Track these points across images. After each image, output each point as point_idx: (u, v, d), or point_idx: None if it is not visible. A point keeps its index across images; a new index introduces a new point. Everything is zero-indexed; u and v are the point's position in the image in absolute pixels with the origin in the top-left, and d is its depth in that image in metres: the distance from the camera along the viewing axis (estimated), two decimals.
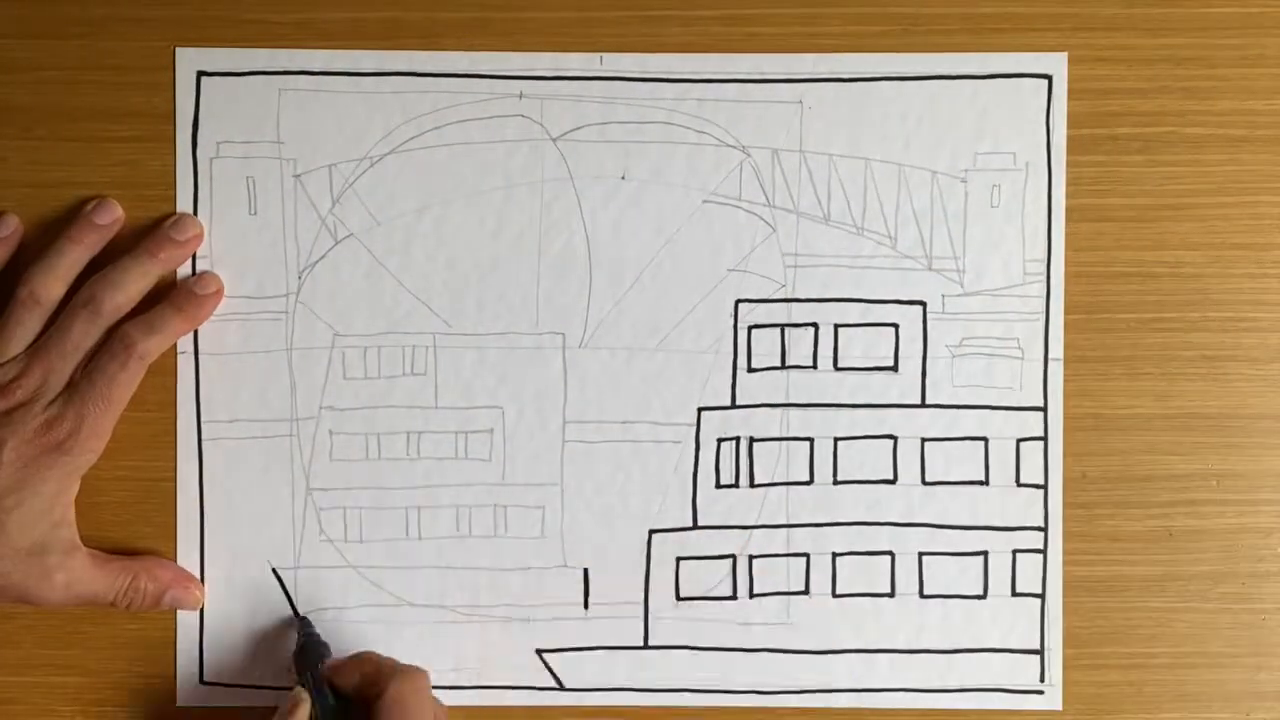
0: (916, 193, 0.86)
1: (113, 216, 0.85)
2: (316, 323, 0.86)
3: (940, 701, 0.86)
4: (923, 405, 0.86)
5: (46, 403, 0.81)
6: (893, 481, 0.86)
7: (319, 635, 0.85)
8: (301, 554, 0.86)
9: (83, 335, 0.82)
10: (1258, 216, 0.86)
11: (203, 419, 0.86)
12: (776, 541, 0.87)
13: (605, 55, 0.86)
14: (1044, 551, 0.86)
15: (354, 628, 0.87)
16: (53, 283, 0.83)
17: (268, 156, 0.86)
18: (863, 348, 0.86)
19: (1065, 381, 0.86)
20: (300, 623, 0.86)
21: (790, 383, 0.86)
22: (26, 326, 0.82)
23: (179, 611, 0.86)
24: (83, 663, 0.87)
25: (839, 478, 0.86)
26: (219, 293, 0.86)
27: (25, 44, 0.86)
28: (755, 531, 0.87)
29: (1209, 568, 0.87)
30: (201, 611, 0.86)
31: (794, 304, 0.86)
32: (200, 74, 0.86)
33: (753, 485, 0.86)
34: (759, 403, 0.86)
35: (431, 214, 0.86)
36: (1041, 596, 0.86)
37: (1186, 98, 0.86)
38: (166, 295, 0.85)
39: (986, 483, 0.86)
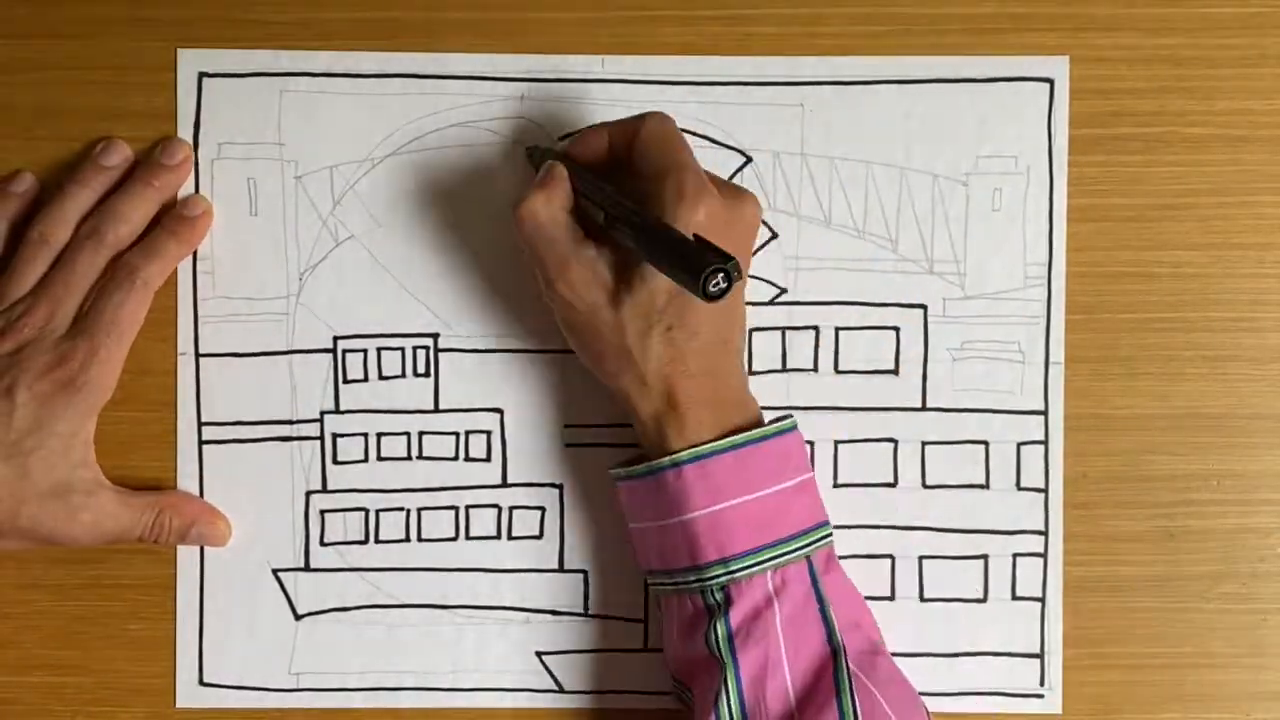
0: (918, 196, 0.86)
1: (120, 157, 0.85)
2: (317, 324, 0.86)
3: (940, 705, 0.86)
4: (923, 409, 0.86)
5: (56, 339, 0.81)
6: (893, 485, 0.86)
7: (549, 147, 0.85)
8: (301, 556, 0.87)
9: (88, 267, 0.83)
10: (1258, 216, 0.86)
11: (203, 420, 0.86)
12: None
13: (607, 58, 0.86)
14: (1044, 555, 0.86)
15: (354, 629, 0.87)
16: (60, 226, 0.83)
17: (269, 158, 0.86)
18: (864, 351, 0.86)
19: (1065, 381, 0.86)
20: (529, 151, 0.86)
21: (791, 385, 0.86)
22: (35, 266, 0.83)
23: (179, 612, 0.86)
24: (83, 663, 0.87)
25: (840, 481, 0.86)
26: (208, 214, 0.86)
27: (25, 44, 0.86)
28: None
29: (1209, 568, 0.87)
30: (201, 613, 0.86)
31: (795, 307, 0.86)
32: (202, 75, 0.86)
33: None
34: (760, 405, 0.86)
35: (432, 216, 0.86)
36: (1041, 600, 0.86)
37: (1186, 98, 0.86)
38: (160, 222, 0.85)
39: (987, 486, 0.86)
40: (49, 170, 0.86)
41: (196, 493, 0.86)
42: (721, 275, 0.69)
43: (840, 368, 0.86)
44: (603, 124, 0.82)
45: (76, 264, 0.82)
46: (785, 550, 0.78)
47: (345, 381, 0.86)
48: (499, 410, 0.87)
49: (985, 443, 0.86)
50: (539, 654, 0.87)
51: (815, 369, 0.86)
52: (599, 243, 0.79)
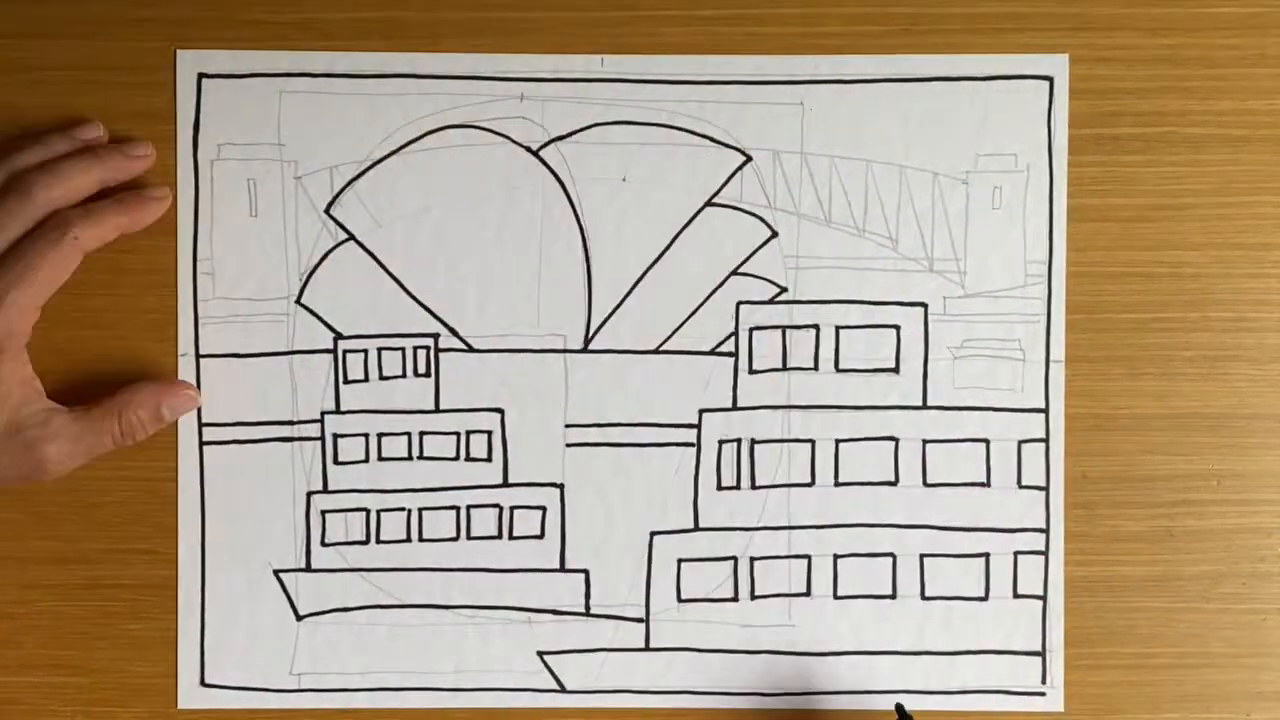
0: (918, 194, 0.86)
1: (92, 135, 0.85)
2: (317, 325, 0.86)
3: (942, 703, 0.86)
4: (924, 407, 0.86)
5: None
6: (894, 483, 0.86)
7: None
8: (303, 556, 0.86)
9: (7, 215, 0.81)
10: (1258, 216, 0.86)
11: (203, 421, 0.86)
12: (778, 543, 0.87)
13: (606, 57, 0.86)
14: (1045, 553, 0.86)
15: (355, 630, 0.87)
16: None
17: (268, 158, 0.86)
18: (864, 349, 0.86)
19: (1066, 382, 0.86)
20: None
21: (791, 384, 0.86)
22: None
23: (180, 612, 0.86)
24: (83, 663, 0.87)
25: (840, 479, 0.86)
26: (164, 200, 0.85)
27: (25, 44, 0.86)
28: (757, 533, 0.87)
29: (1209, 568, 0.87)
30: (202, 614, 0.86)
31: (795, 306, 0.86)
32: (201, 76, 0.86)
33: (754, 487, 0.87)
34: (760, 404, 0.86)
35: (432, 216, 0.86)
36: (1043, 598, 0.86)
37: (1186, 98, 0.86)
38: (112, 195, 0.84)
39: (988, 484, 0.86)
40: None
41: (198, 493, 0.86)
42: None
43: (841, 366, 0.86)
44: None
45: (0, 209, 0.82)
46: None
47: (346, 382, 0.86)
48: (499, 410, 0.87)
49: (986, 441, 0.86)
50: (540, 654, 0.87)
51: (815, 368, 0.86)
52: None
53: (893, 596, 0.87)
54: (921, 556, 0.86)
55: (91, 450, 0.83)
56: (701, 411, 0.86)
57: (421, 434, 0.86)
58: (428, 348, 0.86)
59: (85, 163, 0.83)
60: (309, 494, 0.86)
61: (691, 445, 0.86)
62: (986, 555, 0.86)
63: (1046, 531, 0.86)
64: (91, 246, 0.83)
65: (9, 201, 0.81)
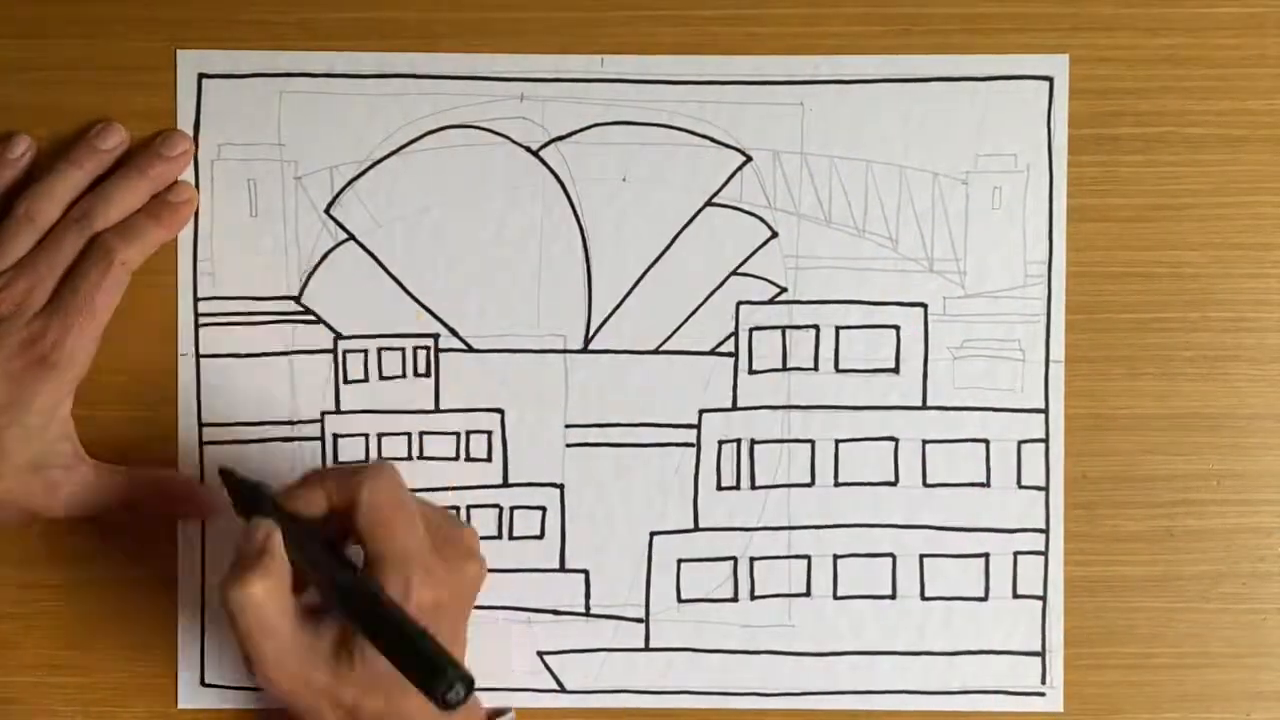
0: (918, 195, 0.86)
1: (116, 141, 0.85)
2: (317, 325, 0.86)
3: (941, 704, 0.86)
4: (924, 407, 0.86)
5: (29, 318, 0.81)
6: (894, 483, 0.86)
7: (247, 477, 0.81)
8: None
9: (73, 250, 0.82)
10: (1258, 216, 0.86)
11: (203, 421, 0.86)
12: (778, 543, 0.87)
13: (606, 57, 0.86)
14: (1045, 553, 0.86)
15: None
16: (49, 205, 0.83)
17: (269, 158, 0.86)
18: (864, 350, 0.86)
19: (1065, 382, 0.86)
20: (224, 474, 0.81)
21: (791, 385, 0.86)
22: (18, 243, 0.82)
23: (180, 612, 0.86)
24: (83, 663, 0.87)
25: (840, 480, 0.86)
26: (191, 201, 0.85)
27: (25, 44, 0.86)
28: (756, 533, 0.86)
29: (1209, 568, 0.87)
30: (202, 613, 0.87)
31: (795, 306, 0.86)
32: (201, 76, 0.86)
33: (754, 487, 0.86)
34: (760, 405, 0.86)
35: (432, 216, 0.86)
36: (1043, 599, 0.86)
37: (1186, 98, 0.86)
38: (143, 205, 0.84)
39: (988, 484, 0.86)
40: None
41: None
42: (460, 685, 0.69)
43: (841, 366, 0.86)
44: (320, 477, 0.78)
45: (63, 245, 0.82)
46: None
47: (346, 382, 0.86)
48: (499, 410, 0.87)
49: (986, 441, 0.86)
50: (540, 654, 0.87)
51: (815, 368, 0.86)
52: (317, 618, 0.76)
53: (892, 597, 0.87)
54: (921, 557, 0.86)
55: (100, 509, 0.83)
56: (701, 411, 0.86)
57: (421, 434, 0.86)
58: (428, 348, 0.86)
59: (135, 181, 0.84)
60: None
61: (691, 445, 0.86)
62: (986, 555, 0.86)
63: (1046, 531, 0.86)
64: (136, 266, 0.84)
65: (70, 235, 0.82)
